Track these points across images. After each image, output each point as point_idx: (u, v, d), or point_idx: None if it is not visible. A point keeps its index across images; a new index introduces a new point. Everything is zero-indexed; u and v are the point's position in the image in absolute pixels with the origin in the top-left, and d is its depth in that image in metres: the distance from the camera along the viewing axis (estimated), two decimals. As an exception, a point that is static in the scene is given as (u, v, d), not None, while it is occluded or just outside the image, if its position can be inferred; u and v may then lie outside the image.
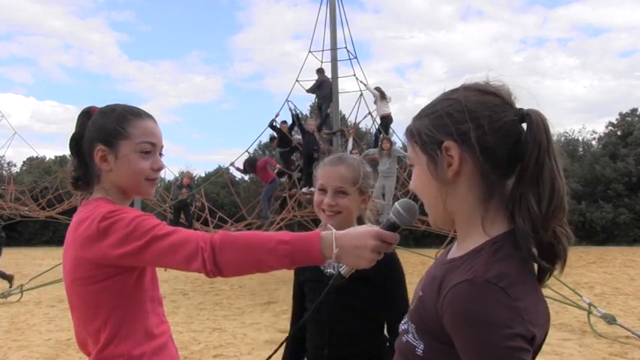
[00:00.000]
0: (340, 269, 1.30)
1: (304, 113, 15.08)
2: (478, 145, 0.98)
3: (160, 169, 1.54)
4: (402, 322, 1.11)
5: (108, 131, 1.49)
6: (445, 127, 1.02)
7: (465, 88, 1.05)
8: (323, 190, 1.87)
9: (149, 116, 1.56)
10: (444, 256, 1.12)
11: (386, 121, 12.52)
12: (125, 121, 1.50)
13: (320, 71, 12.83)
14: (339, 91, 12.50)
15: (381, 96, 12.43)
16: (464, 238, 1.05)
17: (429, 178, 1.05)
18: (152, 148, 1.52)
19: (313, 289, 1.91)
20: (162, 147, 1.58)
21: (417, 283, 1.14)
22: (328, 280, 1.78)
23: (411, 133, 1.09)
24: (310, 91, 13.15)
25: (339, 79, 12.54)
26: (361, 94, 13.32)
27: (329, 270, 1.87)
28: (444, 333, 0.95)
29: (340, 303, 1.82)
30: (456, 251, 1.06)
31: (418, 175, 1.09)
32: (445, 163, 1.01)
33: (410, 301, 1.15)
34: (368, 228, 1.25)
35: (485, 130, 0.98)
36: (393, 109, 13.17)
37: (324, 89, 12.51)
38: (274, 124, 13.04)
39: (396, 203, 1.23)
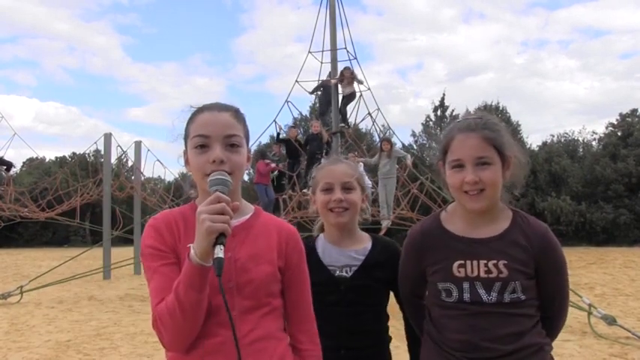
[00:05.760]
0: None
1: (304, 114, 15.02)
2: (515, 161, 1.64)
3: (215, 160, 1.41)
4: (484, 295, 1.56)
5: (184, 134, 1.53)
6: (510, 143, 1.62)
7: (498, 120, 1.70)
8: (328, 190, 1.90)
9: (210, 108, 1.49)
10: (471, 240, 1.62)
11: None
12: (189, 120, 1.51)
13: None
14: (339, 92, 12.49)
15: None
16: (494, 219, 1.64)
17: (500, 177, 1.59)
18: (205, 141, 1.44)
19: (319, 292, 1.80)
20: (229, 136, 1.45)
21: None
22: (338, 284, 1.86)
23: (489, 139, 1.58)
24: (313, 92, 13.09)
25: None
26: (361, 95, 13.30)
27: (339, 273, 1.89)
28: (533, 270, 1.59)
29: (357, 302, 1.84)
30: (491, 229, 1.63)
31: (496, 172, 1.58)
32: (506, 169, 1.60)
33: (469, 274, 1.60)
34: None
35: (519, 151, 1.67)
36: (394, 110, 13.20)
37: (327, 94, 12.51)
38: (280, 136, 12.99)
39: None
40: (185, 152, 1.54)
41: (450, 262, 1.62)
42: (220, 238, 1.26)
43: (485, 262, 1.58)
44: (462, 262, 1.60)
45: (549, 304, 1.65)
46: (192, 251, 1.30)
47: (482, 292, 1.57)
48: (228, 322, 1.25)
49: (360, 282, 1.86)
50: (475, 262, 1.58)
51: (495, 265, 1.57)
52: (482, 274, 1.57)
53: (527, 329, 1.57)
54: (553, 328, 1.69)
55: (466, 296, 1.58)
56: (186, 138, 1.52)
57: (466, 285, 1.58)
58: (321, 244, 1.98)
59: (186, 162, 1.54)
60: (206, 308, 1.35)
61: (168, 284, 1.37)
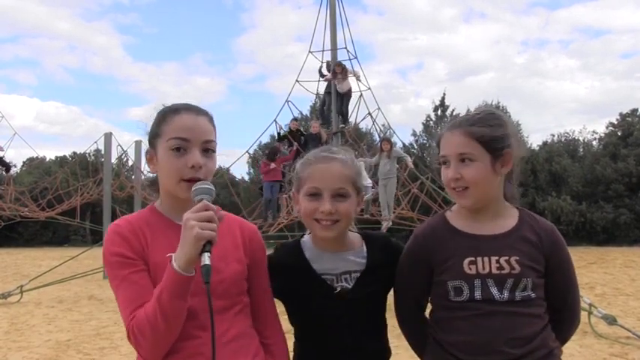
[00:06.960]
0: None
1: (304, 114, 15.00)
2: (518, 155, 1.59)
3: (194, 165, 1.39)
4: (496, 293, 1.51)
5: (151, 132, 1.49)
6: (506, 138, 1.55)
7: (502, 114, 1.62)
8: (316, 195, 1.55)
9: (188, 109, 1.46)
10: (480, 236, 1.57)
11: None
12: (162, 119, 1.46)
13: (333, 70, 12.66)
14: (338, 90, 12.48)
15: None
16: (496, 215, 1.61)
17: (489, 172, 1.53)
18: (184, 144, 1.40)
19: (317, 306, 1.62)
20: (207, 141, 1.44)
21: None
22: (341, 297, 1.59)
23: (473, 134, 1.52)
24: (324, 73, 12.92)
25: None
26: (361, 95, 13.30)
27: (338, 283, 1.62)
28: (544, 268, 1.56)
29: (363, 315, 1.63)
30: (499, 225, 1.59)
31: (479, 168, 1.52)
32: (502, 163, 1.55)
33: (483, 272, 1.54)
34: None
35: (519, 145, 1.59)
36: (395, 110, 13.17)
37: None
38: (281, 132, 12.98)
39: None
40: (151, 151, 1.49)
41: (460, 259, 1.57)
42: (207, 245, 1.25)
43: (497, 258, 1.54)
44: (473, 258, 1.55)
45: (562, 304, 1.62)
46: (174, 261, 1.27)
47: (494, 290, 1.53)
48: (207, 324, 1.24)
49: (368, 290, 1.61)
50: (486, 259, 1.55)
51: (507, 261, 1.53)
52: (495, 271, 1.53)
53: (537, 332, 1.53)
54: (565, 331, 1.66)
55: (477, 294, 1.53)
56: (156, 137, 1.47)
57: (477, 282, 1.54)
58: (309, 249, 1.66)
59: (150, 161, 1.49)
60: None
61: (140, 292, 1.34)
